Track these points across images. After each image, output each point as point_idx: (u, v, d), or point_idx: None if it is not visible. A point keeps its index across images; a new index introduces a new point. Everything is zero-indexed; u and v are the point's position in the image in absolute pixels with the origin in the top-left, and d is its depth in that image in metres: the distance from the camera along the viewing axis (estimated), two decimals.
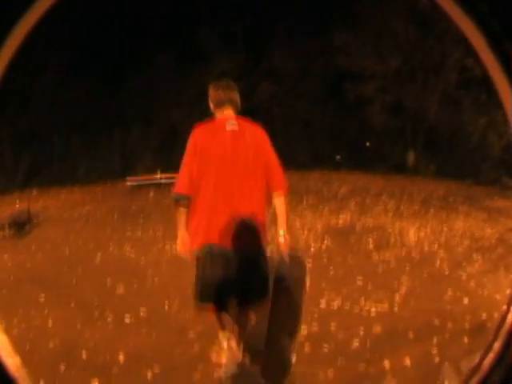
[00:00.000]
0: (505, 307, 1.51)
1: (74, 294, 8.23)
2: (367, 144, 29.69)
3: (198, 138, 5.05)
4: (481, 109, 25.97)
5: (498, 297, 7.73)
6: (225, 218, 4.87)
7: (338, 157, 29.89)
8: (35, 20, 1.46)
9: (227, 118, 5.20)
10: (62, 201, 19.92)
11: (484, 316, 6.88)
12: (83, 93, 29.30)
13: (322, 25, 28.55)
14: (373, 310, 7.27)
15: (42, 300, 7.89)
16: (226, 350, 5.20)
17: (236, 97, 5.47)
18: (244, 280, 4.91)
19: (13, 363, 1.44)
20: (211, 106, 5.35)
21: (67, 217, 16.09)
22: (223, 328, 5.28)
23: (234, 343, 5.12)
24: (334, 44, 28.16)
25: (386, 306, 7.45)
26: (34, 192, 22.38)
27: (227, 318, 5.18)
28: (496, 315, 6.69)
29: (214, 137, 5.03)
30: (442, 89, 27.57)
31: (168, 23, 29.94)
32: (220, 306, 5.16)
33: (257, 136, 5.16)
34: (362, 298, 7.67)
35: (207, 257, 5.07)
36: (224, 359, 5.19)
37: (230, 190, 4.92)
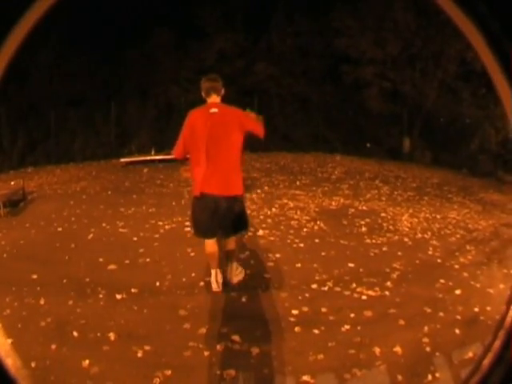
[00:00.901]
0: (504, 306, 1.49)
1: (66, 271, 8.21)
2: (367, 145, 29.70)
3: (191, 117, 7.09)
4: (479, 102, 25.98)
5: (491, 291, 7.71)
6: (210, 173, 6.80)
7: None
8: (35, 19, 1.44)
9: (212, 103, 7.10)
10: (57, 177, 19.89)
11: (476, 309, 6.87)
12: (81, 67, 29.22)
13: (322, 5, 28.47)
14: (364, 293, 7.27)
15: (35, 277, 7.87)
16: (216, 280, 7.18)
17: (219, 87, 7.20)
18: (226, 218, 6.92)
19: (13, 363, 1.43)
20: (203, 94, 7.19)
21: (61, 193, 16.03)
22: (212, 264, 7.22)
23: (219, 276, 7.24)
24: (333, 25, 28.13)
25: (377, 290, 7.43)
26: (29, 170, 22.45)
27: (215, 247, 7.16)
28: (489, 309, 6.73)
29: (200, 117, 7.02)
30: (441, 78, 27.54)
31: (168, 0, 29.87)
32: (209, 237, 7.12)
33: (233, 114, 7.20)
34: (354, 281, 7.67)
35: (199, 203, 7.00)
36: (215, 285, 7.16)
37: (210, 154, 6.85)
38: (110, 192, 15.78)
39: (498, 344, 1.40)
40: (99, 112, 27.87)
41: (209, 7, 30.11)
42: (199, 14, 30.25)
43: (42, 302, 6.86)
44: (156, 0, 29.78)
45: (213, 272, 7.18)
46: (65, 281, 7.72)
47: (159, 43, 31.06)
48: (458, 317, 6.65)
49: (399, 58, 28.01)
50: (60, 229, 11.32)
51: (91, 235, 10.59)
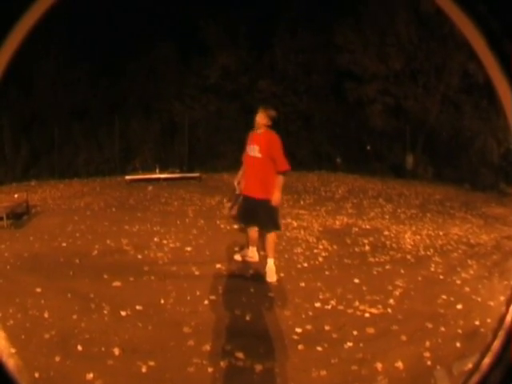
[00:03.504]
0: (504, 307, 1.53)
1: (70, 286, 8.22)
2: (368, 147, 29.69)
3: (248, 137, 9.21)
4: (481, 114, 25.96)
5: (491, 303, 7.77)
6: (251, 181, 8.93)
7: (338, 159, 29.89)
8: (35, 19, 1.49)
9: (258, 128, 9.01)
10: (61, 192, 19.93)
11: (477, 322, 6.93)
12: (84, 78, 29.30)
13: (325, 22, 28.53)
14: (367, 311, 7.32)
15: (39, 290, 7.88)
16: (252, 253, 9.66)
17: (263, 118, 8.97)
18: (260, 216, 8.86)
19: (13, 363, 1.48)
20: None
21: (65, 208, 16.07)
22: (251, 242, 9.57)
23: (255, 250, 9.68)
24: (335, 41, 28.20)
25: (380, 307, 7.50)
26: (33, 183, 22.47)
27: (254, 233, 9.39)
28: (489, 321, 6.76)
29: (251, 137, 9.10)
30: (443, 92, 27.54)
31: (172, 14, 29.97)
32: (250, 225, 9.41)
33: (270, 139, 8.79)
34: (357, 300, 7.74)
35: (243, 201, 9.22)
36: (252, 257, 9.63)
37: (253, 166, 8.90)
38: (114, 209, 15.85)
39: (497, 344, 1.45)
40: (103, 126, 27.93)
41: (212, 22, 30.17)
42: (203, 29, 30.34)
43: (46, 315, 6.88)
44: (160, 13, 29.86)
45: (251, 248, 9.65)
46: (69, 295, 7.74)
47: (162, 57, 31.15)
48: (459, 330, 6.73)
49: (402, 73, 28.03)
50: (64, 244, 11.34)
51: (95, 251, 10.61)
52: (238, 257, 9.83)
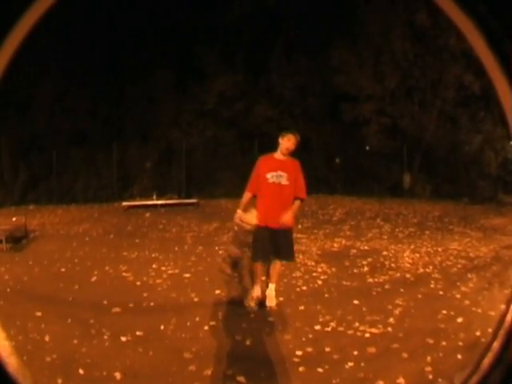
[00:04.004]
0: (504, 306, 1.54)
1: (70, 311, 8.26)
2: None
3: (261, 163, 8.52)
4: (478, 126, 26.08)
5: (492, 313, 7.87)
6: (276, 210, 8.16)
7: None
8: (36, 19, 1.50)
9: (286, 153, 8.44)
10: (59, 217, 20.14)
11: (478, 333, 7.00)
12: (84, 106, 29.47)
13: (321, 44, 28.67)
14: (367, 331, 7.31)
15: (39, 314, 7.93)
16: (257, 290, 8.63)
17: (293, 144, 8.41)
18: (281, 247, 8.30)
19: (13, 364, 1.49)
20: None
21: (64, 234, 16.25)
22: (260, 275, 8.72)
23: (259, 289, 8.65)
24: (331, 63, 28.30)
25: (380, 327, 7.50)
26: (31, 207, 22.58)
27: (261, 266, 8.66)
28: (490, 330, 6.76)
29: (271, 163, 8.41)
30: (440, 107, 27.66)
31: (169, 41, 30.08)
32: (267, 259, 8.58)
33: (297, 166, 8.45)
34: (357, 320, 7.74)
35: (260, 233, 8.30)
36: (257, 293, 8.60)
37: (281, 194, 8.23)
38: (112, 235, 15.94)
39: (497, 344, 1.46)
40: (101, 152, 28.19)
41: (208, 47, 30.27)
42: (199, 55, 30.45)
43: (46, 338, 6.91)
44: (157, 40, 29.98)
45: (260, 280, 8.80)
46: (69, 320, 7.77)
47: (160, 84, 31.22)
48: (460, 343, 6.78)
49: (397, 92, 28.10)
50: (63, 269, 11.46)
51: (94, 278, 10.68)
52: (253, 303, 8.54)
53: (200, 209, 22.04)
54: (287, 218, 8.15)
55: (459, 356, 6.27)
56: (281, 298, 8.91)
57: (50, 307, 8.45)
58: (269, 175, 8.30)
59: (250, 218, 8.40)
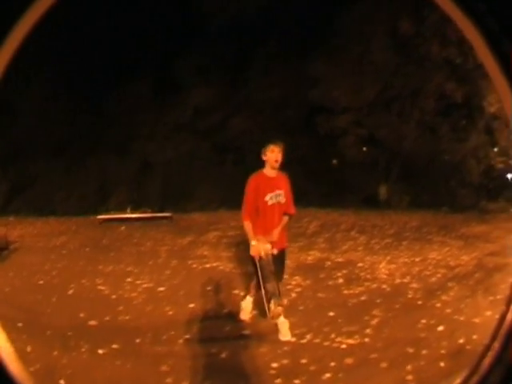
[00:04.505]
0: (504, 307, 1.53)
1: (49, 323, 8.33)
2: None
3: (254, 183, 7.90)
4: (459, 135, 26.15)
5: (476, 320, 7.90)
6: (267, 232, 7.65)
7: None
8: (35, 19, 1.49)
9: (275, 167, 7.98)
10: (38, 230, 20.23)
11: (462, 340, 7.02)
12: (65, 117, 29.41)
13: (299, 56, 28.65)
14: (344, 342, 7.29)
15: (21, 325, 7.96)
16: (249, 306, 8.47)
17: (281, 156, 7.96)
18: (279, 267, 7.77)
19: (14, 364, 1.47)
20: None
21: (42, 246, 16.31)
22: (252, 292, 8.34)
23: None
24: (308, 74, 28.22)
25: (357, 338, 7.49)
26: (11, 218, 22.61)
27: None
28: (475, 337, 6.84)
29: (266, 182, 7.88)
30: (419, 117, 27.60)
31: (146, 52, 30.06)
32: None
33: (287, 181, 8.18)
34: (333, 332, 7.70)
35: (264, 259, 7.48)
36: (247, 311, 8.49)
37: (279, 214, 7.92)
38: (88, 248, 15.94)
39: (497, 344, 1.44)
40: (79, 165, 28.23)
41: (184, 59, 30.22)
42: (176, 67, 30.42)
43: (28, 349, 6.88)
44: (134, 51, 29.93)
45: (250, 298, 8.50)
46: (49, 332, 7.81)
47: (137, 96, 31.15)
48: (443, 351, 6.74)
49: (375, 103, 27.95)
50: (42, 282, 11.49)
51: (72, 290, 10.69)
52: (245, 315, 8.49)
53: (174, 222, 21.99)
54: (276, 236, 7.65)
55: (442, 364, 6.26)
56: (255, 312, 8.86)
57: (30, 318, 8.51)
58: (268, 197, 7.78)
59: (267, 246, 7.53)
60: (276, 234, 7.63)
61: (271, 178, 7.87)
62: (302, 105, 29.84)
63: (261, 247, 7.44)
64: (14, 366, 1.48)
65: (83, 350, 7.07)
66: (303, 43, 28.39)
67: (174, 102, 30.21)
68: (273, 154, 7.81)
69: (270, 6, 29.61)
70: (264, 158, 7.94)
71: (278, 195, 7.79)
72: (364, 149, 28.55)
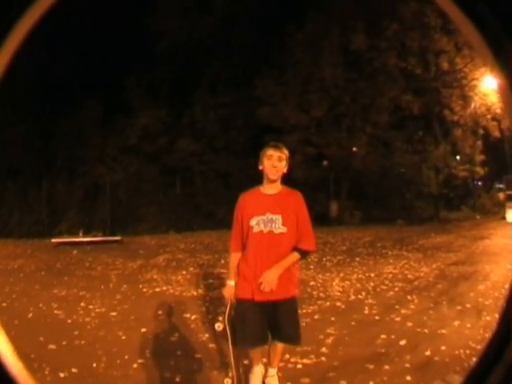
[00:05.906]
0: (504, 305, 1.56)
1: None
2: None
3: (242, 203, 5.89)
4: (415, 147, 26.37)
5: (443, 331, 8.07)
6: (260, 274, 5.45)
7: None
8: (35, 19, 1.51)
9: (273, 180, 5.75)
10: None
11: (428, 352, 7.14)
12: (17, 139, 29.30)
13: (246, 76, 28.76)
14: (299, 362, 7.23)
15: None
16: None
17: (283, 163, 5.77)
18: (282, 326, 5.64)
19: (13, 364, 1.51)
20: None
21: (2, 268, 16.56)
22: (255, 361, 6.11)
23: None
24: (256, 94, 28.37)
25: (312, 357, 7.43)
26: None
27: (258, 351, 6.01)
28: (443, 348, 6.98)
29: (255, 202, 5.79)
30: (370, 133, 27.80)
31: (97, 73, 30.03)
32: (260, 346, 5.87)
33: (297, 200, 5.96)
34: (287, 353, 7.24)
35: (245, 309, 5.66)
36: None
37: (275, 248, 5.53)
38: (43, 272, 16.06)
39: (497, 344, 1.48)
40: (33, 188, 28.28)
41: (134, 81, 30.25)
42: (125, 89, 30.43)
43: None
44: (83, 72, 29.87)
45: (256, 368, 6.18)
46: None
47: (87, 117, 31.10)
48: (407, 365, 6.80)
49: (324, 120, 28.08)
50: (4, 304, 11.66)
51: (31, 314, 10.77)
52: None
53: (124, 246, 22.04)
54: (269, 279, 5.41)
55: (408, 377, 6.35)
56: (206, 335, 8.94)
57: None
58: (253, 221, 5.63)
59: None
60: (269, 277, 5.41)
61: (267, 196, 5.74)
62: (250, 125, 29.92)
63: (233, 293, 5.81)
64: (14, 366, 1.52)
65: (46, 372, 7.17)
66: (251, 62, 28.63)
67: (123, 124, 30.24)
68: (270, 162, 5.64)
69: (218, 26, 29.79)
70: (260, 167, 5.79)
71: (271, 221, 5.58)
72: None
